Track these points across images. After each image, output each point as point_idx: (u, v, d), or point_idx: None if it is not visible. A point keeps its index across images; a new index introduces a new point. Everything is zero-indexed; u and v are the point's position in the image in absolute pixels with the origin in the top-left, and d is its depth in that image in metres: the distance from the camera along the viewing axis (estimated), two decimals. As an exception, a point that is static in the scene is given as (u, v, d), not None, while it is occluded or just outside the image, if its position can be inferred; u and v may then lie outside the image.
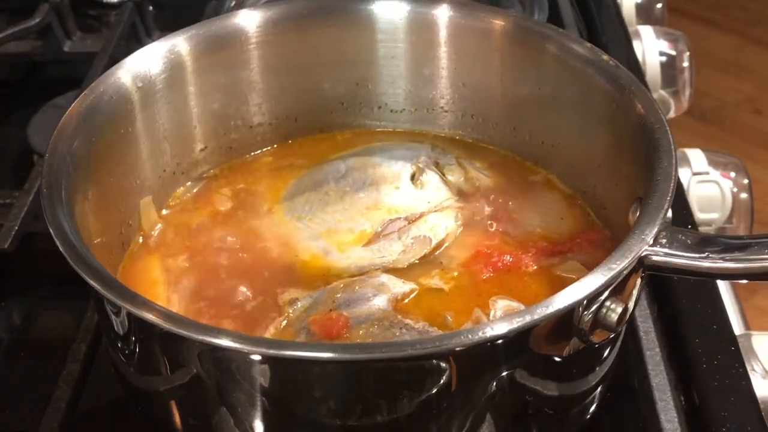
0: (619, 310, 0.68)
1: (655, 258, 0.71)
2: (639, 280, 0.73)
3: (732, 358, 0.90)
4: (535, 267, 0.90)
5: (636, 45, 1.48)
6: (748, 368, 0.92)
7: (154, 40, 1.04)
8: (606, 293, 0.68)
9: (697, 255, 0.70)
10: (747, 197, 1.37)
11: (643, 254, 0.70)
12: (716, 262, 0.69)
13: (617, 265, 0.68)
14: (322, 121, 1.10)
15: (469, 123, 1.08)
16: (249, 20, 1.02)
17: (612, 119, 0.89)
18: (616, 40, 1.45)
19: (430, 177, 1.01)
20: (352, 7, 1.06)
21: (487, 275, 0.90)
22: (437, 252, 0.93)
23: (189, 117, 1.01)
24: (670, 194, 0.73)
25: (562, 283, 0.87)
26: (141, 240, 0.96)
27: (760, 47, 3.71)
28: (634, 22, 1.61)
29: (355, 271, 0.91)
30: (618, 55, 1.21)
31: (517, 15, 1.17)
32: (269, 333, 0.84)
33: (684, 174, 1.36)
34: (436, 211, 0.97)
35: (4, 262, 1.06)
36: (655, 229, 0.70)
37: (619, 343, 0.78)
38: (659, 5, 1.67)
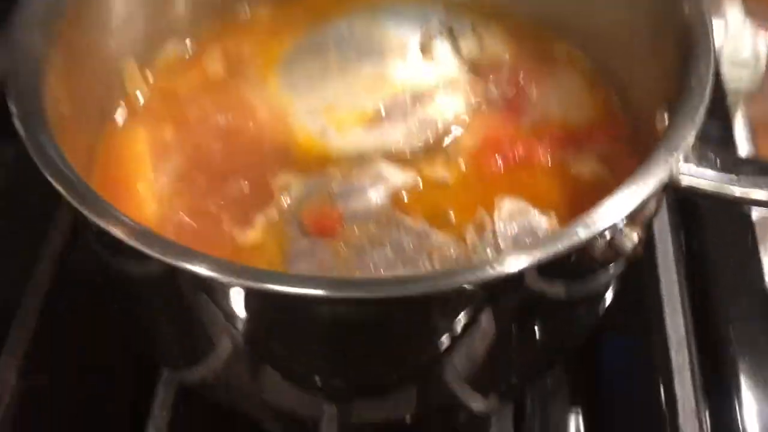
0: (635, 236, 0.63)
1: (681, 181, 0.64)
2: (660, 200, 0.67)
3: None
4: (549, 160, 0.83)
5: None
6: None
7: None
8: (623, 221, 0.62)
9: (727, 177, 0.64)
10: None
11: (667, 179, 0.63)
12: (748, 188, 0.63)
13: (637, 196, 0.61)
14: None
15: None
16: None
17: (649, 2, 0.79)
18: None
19: (440, 45, 0.92)
20: None
21: (496, 168, 0.83)
22: (444, 139, 0.86)
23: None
24: (702, 109, 0.65)
25: (575, 184, 0.82)
26: (126, 108, 0.89)
27: None
28: None
29: (353, 157, 0.84)
30: None
31: None
32: (259, 223, 0.80)
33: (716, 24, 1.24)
34: (445, 88, 0.89)
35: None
36: (683, 153, 0.63)
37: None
38: None
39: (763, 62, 1.26)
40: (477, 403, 0.75)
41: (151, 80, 0.90)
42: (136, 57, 0.89)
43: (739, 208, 0.85)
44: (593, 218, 0.60)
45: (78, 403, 0.84)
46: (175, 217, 0.80)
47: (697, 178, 0.64)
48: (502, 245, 0.75)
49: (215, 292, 0.61)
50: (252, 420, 0.82)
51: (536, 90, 0.90)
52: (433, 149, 0.85)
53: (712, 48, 0.69)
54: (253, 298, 0.60)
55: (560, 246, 0.58)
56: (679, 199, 0.94)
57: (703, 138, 0.65)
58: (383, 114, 0.87)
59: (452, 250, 0.75)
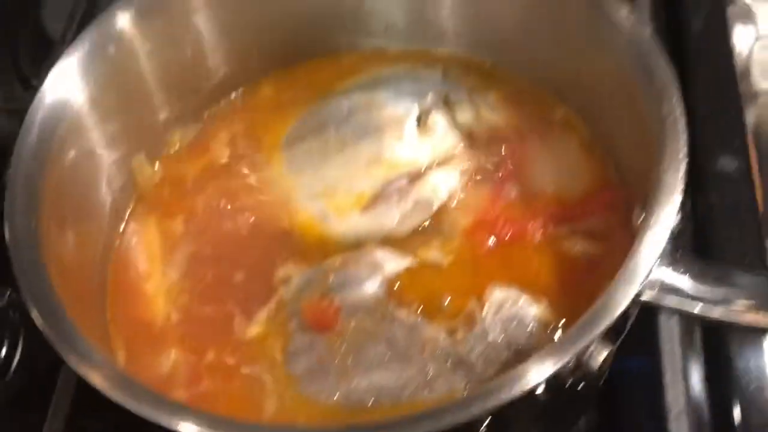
0: (602, 357, 0.64)
1: (648, 298, 0.65)
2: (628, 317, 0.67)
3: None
4: (541, 238, 0.84)
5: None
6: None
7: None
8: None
9: (697, 295, 0.64)
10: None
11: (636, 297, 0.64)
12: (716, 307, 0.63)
13: (600, 325, 0.62)
14: (326, 43, 1.01)
15: (482, 46, 0.98)
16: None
17: (629, 81, 0.79)
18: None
19: (438, 119, 0.93)
20: None
21: (490, 246, 0.85)
22: (438, 219, 0.88)
23: (185, 58, 0.94)
24: (668, 230, 0.65)
25: (565, 261, 0.83)
26: (137, 199, 0.93)
27: None
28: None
29: (351, 241, 0.87)
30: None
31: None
32: (261, 318, 0.84)
33: (747, 34, 1.21)
34: (440, 165, 0.90)
35: None
36: (652, 274, 0.64)
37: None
38: None
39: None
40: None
41: (159, 171, 0.95)
42: (146, 150, 0.93)
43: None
44: (559, 352, 0.61)
45: None
46: (181, 314, 0.85)
47: (662, 293, 0.64)
48: (490, 338, 0.77)
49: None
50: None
51: (532, 159, 0.90)
52: (427, 230, 0.87)
53: (682, 145, 0.69)
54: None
55: (525, 385, 0.59)
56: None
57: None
58: (380, 196, 0.89)
59: (443, 345, 0.78)
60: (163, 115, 0.94)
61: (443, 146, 0.92)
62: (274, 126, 0.98)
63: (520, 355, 0.77)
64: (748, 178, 0.93)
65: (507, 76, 0.97)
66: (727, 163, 0.94)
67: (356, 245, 0.87)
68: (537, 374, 0.60)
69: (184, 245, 0.90)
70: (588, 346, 0.62)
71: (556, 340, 0.77)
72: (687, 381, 0.83)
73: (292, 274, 0.86)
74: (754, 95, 1.10)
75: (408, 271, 0.84)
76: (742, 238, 0.87)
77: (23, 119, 0.79)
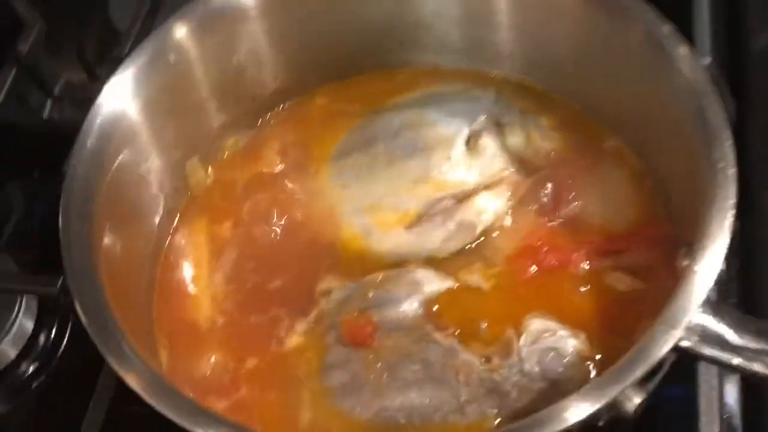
0: (638, 400, 0.64)
1: (687, 345, 0.65)
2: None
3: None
4: (584, 270, 0.84)
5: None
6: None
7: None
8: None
9: (737, 346, 0.64)
10: None
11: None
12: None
13: (638, 370, 0.62)
14: (381, 58, 1.02)
15: (539, 71, 0.97)
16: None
17: (683, 120, 0.78)
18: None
19: (487, 142, 0.93)
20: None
21: (531, 274, 0.85)
22: (482, 242, 0.88)
23: (241, 67, 0.95)
24: (716, 269, 0.65)
25: (606, 295, 0.83)
26: (189, 202, 0.96)
27: None
28: None
29: (393, 259, 0.88)
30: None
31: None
32: (301, 329, 0.85)
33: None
34: (487, 189, 0.91)
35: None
36: (693, 320, 0.63)
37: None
38: None
39: None
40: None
41: (211, 176, 0.97)
42: (200, 154, 0.95)
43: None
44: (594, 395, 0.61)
45: None
46: (224, 319, 0.87)
47: (701, 341, 0.64)
48: (526, 368, 0.77)
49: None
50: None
51: (581, 188, 0.90)
52: (470, 253, 0.88)
53: (729, 206, 0.68)
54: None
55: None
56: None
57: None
58: (424, 216, 0.90)
59: (478, 371, 0.78)
60: (217, 122, 0.97)
61: (492, 169, 0.92)
62: (325, 138, 0.99)
63: (554, 386, 0.77)
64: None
65: (559, 102, 0.97)
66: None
67: (398, 263, 0.88)
68: (572, 415, 0.60)
69: (231, 250, 0.92)
70: (624, 390, 0.62)
71: (592, 375, 0.77)
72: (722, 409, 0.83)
73: (333, 287, 0.87)
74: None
75: (448, 293, 0.85)
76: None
77: (88, 110, 0.82)
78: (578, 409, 0.60)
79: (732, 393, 0.86)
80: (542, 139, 0.94)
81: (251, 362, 0.83)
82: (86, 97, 0.85)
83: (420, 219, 0.90)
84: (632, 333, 0.80)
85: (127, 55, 0.86)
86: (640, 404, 0.64)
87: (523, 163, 0.93)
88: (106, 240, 0.78)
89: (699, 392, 0.83)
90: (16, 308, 1.02)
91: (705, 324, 0.67)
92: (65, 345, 1.11)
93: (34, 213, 1.17)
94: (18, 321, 1.06)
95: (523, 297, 0.84)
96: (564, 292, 0.83)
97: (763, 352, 0.62)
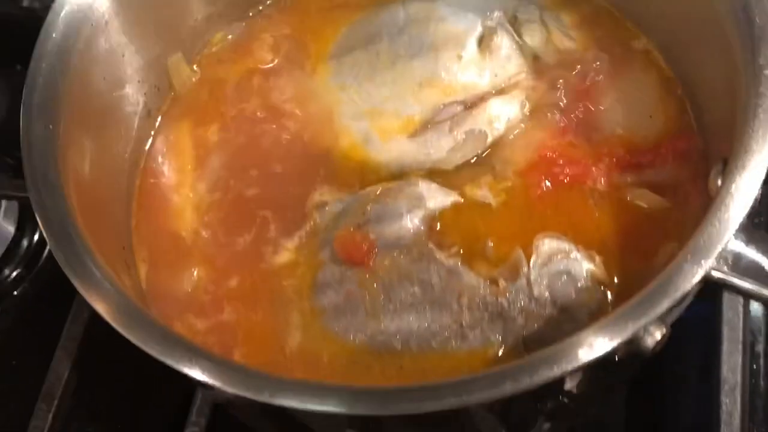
0: (658, 335, 0.57)
1: (718, 276, 0.57)
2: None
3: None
4: (603, 185, 0.76)
5: None
6: None
7: None
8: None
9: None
10: None
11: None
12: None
13: (671, 296, 0.55)
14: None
15: (563, -39, 0.87)
16: None
17: (723, 19, 0.68)
18: None
19: (502, 41, 0.84)
20: None
21: (545, 189, 0.77)
22: (492, 150, 0.80)
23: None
24: (755, 191, 0.57)
25: (626, 213, 0.75)
26: (173, 101, 0.87)
27: None
28: None
29: (394, 169, 0.80)
30: None
31: None
32: (292, 244, 0.78)
33: None
34: (500, 94, 0.82)
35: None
36: (723, 251, 0.56)
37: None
38: None
39: None
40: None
41: (197, 72, 0.88)
42: (183, 50, 0.86)
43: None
44: (613, 329, 0.54)
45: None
46: (208, 230, 0.80)
47: (734, 271, 0.57)
48: (535, 292, 0.71)
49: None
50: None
51: (605, 93, 0.81)
52: (478, 165, 0.80)
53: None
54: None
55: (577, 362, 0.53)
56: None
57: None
58: (430, 122, 0.81)
59: (483, 294, 0.72)
60: (202, 13, 0.87)
61: (506, 71, 0.83)
62: (323, 32, 0.90)
63: (565, 312, 0.70)
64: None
65: (586, -4, 0.87)
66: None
67: (399, 175, 0.80)
68: (586, 352, 0.54)
69: (217, 156, 0.84)
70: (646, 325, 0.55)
71: (609, 300, 0.70)
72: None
73: (327, 199, 0.79)
74: None
75: (452, 208, 0.77)
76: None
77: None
78: (593, 346, 0.54)
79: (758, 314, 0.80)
80: (562, 38, 0.84)
81: (236, 279, 0.77)
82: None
83: (425, 126, 0.81)
84: (654, 256, 0.73)
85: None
86: (660, 340, 0.57)
87: (540, 65, 0.83)
88: (75, 144, 0.70)
89: (722, 315, 0.78)
90: (-5, 212, 0.97)
91: (738, 251, 0.59)
92: (48, 251, 1.05)
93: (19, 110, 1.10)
94: (-3, 224, 1.02)
95: (534, 214, 0.76)
96: (580, 210, 0.76)
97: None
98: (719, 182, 0.62)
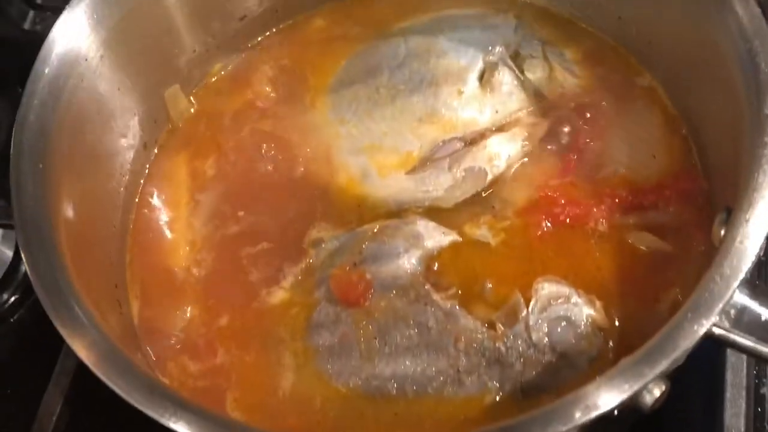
0: (657, 392, 0.56)
1: (720, 332, 0.56)
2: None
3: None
4: (605, 227, 0.75)
5: None
6: None
7: None
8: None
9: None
10: None
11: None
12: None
13: (666, 361, 0.53)
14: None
15: (565, -4, 0.86)
16: None
17: (729, 62, 0.67)
18: None
19: (504, 76, 0.82)
20: None
21: (545, 229, 0.76)
22: (491, 189, 0.78)
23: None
24: (760, 242, 0.55)
25: (628, 256, 0.73)
26: (170, 132, 0.86)
27: None
28: None
29: (392, 206, 0.79)
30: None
31: None
32: (287, 282, 0.77)
33: None
34: (500, 130, 0.80)
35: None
36: (725, 307, 0.54)
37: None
38: None
39: None
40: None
41: (194, 104, 0.87)
42: (181, 81, 0.85)
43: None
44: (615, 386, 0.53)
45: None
46: (203, 267, 0.79)
47: (736, 328, 0.55)
48: (534, 338, 0.69)
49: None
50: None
51: (607, 131, 0.79)
52: (478, 203, 0.78)
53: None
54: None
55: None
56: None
57: None
58: (429, 159, 0.80)
59: (480, 339, 0.70)
60: (201, 45, 0.86)
61: (507, 108, 0.81)
62: (323, 64, 0.88)
63: (564, 359, 0.69)
64: None
65: (587, 32, 0.86)
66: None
67: (397, 212, 0.79)
68: (585, 412, 0.52)
69: (214, 190, 0.83)
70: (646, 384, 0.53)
71: (609, 348, 0.69)
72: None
73: (324, 236, 0.78)
74: None
75: (451, 248, 0.76)
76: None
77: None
78: (589, 408, 0.52)
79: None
80: (565, 73, 0.83)
81: (230, 317, 0.75)
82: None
83: (424, 163, 0.80)
84: (656, 301, 0.72)
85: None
86: (659, 398, 0.55)
87: (542, 102, 0.82)
88: (67, 182, 0.69)
89: (726, 359, 0.76)
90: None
91: (742, 305, 0.58)
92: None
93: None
94: (-6, 249, 1.01)
95: (534, 255, 0.74)
96: (581, 252, 0.74)
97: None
98: (723, 232, 0.60)
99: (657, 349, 0.54)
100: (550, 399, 0.67)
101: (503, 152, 0.79)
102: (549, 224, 0.76)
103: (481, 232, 0.76)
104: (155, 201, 0.83)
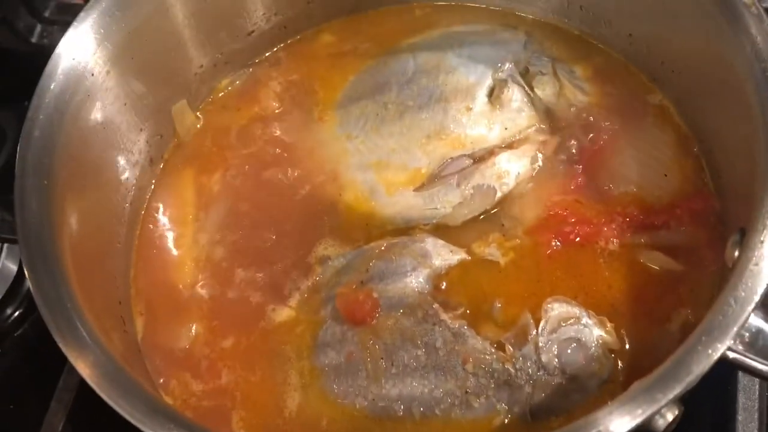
0: (670, 417, 0.54)
1: (734, 356, 0.55)
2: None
3: None
4: (616, 246, 0.74)
5: None
6: None
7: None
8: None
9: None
10: None
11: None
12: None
13: (678, 386, 0.52)
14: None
15: (577, 12, 0.85)
16: None
17: (744, 83, 0.66)
18: None
19: (513, 93, 0.81)
20: None
21: (555, 248, 0.75)
22: (500, 207, 0.77)
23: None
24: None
25: (639, 276, 0.72)
26: (176, 147, 0.85)
27: None
28: None
29: (400, 224, 0.78)
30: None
31: None
32: (293, 301, 0.76)
33: None
34: (509, 148, 0.79)
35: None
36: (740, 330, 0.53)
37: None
38: None
39: None
40: None
41: (201, 119, 0.87)
42: (188, 96, 0.85)
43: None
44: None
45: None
46: (208, 285, 0.78)
47: (751, 351, 0.54)
48: (544, 360, 0.68)
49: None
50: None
51: (618, 150, 0.78)
52: (486, 222, 0.77)
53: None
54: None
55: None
56: None
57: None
58: (437, 176, 0.79)
59: (489, 360, 0.69)
60: (208, 60, 0.86)
61: (517, 125, 0.81)
62: (331, 80, 0.88)
63: (574, 381, 0.67)
64: None
65: (598, 49, 0.85)
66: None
67: (404, 229, 0.78)
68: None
69: (220, 206, 0.82)
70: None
71: (620, 370, 0.68)
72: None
73: (331, 253, 0.77)
74: None
75: (459, 266, 0.75)
76: None
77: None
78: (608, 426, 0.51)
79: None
80: (575, 91, 0.82)
81: (235, 336, 0.74)
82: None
83: (432, 180, 0.79)
84: (667, 322, 0.71)
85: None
86: (672, 422, 0.54)
87: (551, 119, 0.81)
88: (72, 198, 0.68)
89: (738, 382, 0.75)
90: (-2, 251, 0.95)
91: (756, 328, 0.57)
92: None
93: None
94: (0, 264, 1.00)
95: (544, 275, 0.73)
96: (591, 271, 0.73)
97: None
98: (736, 253, 0.59)
99: (670, 373, 0.52)
100: (560, 422, 0.66)
101: (512, 170, 0.78)
102: (559, 243, 0.75)
103: (490, 250, 0.76)
104: (160, 217, 0.82)
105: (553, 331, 0.69)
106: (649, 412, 0.51)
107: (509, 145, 0.80)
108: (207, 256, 0.79)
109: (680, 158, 0.78)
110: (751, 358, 0.54)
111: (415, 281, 0.74)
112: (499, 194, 0.78)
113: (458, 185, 0.78)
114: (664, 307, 0.70)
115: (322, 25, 0.91)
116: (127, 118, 0.77)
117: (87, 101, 0.71)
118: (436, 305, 0.72)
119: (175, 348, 0.75)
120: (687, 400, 0.58)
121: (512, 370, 0.68)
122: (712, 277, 0.70)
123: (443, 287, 0.74)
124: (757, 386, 0.76)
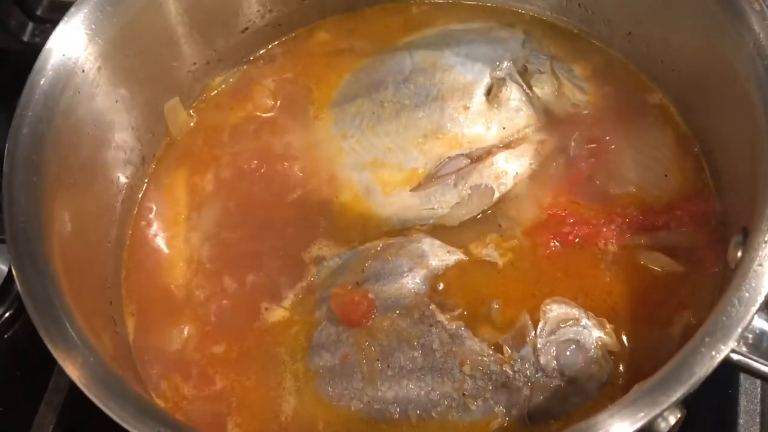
0: (672, 420, 0.53)
1: (738, 358, 0.54)
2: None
3: None
4: (615, 247, 0.73)
5: None
6: None
7: None
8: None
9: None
10: None
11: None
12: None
13: (681, 388, 0.51)
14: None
15: (575, 10, 0.84)
16: None
17: (746, 82, 0.65)
18: None
19: (511, 92, 0.80)
20: None
21: (553, 249, 0.73)
22: (498, 207, 0.76)
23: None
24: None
25: (639, 278, 0.71)
26: (168, 146, 0.84)
27: None
28: None
29: (396, 224, 0.77)
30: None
31: None
32: (287, 301, 0.75)
33: None
34: (507, 147, 0.78)
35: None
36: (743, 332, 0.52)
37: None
38: None
39: None
40: None
41: (194, 117, 0.85)
42: (181, 94, 0.84)
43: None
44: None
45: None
46: (200, 286, 0.76)
47: (754, 353, 0.53)
48: (542, 362, 0.67)
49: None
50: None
51: (618, 150, 0.77)
52: (484, 222, 0.76)
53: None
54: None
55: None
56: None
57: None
58: (434, 176, 0.78)
59: (487, 362, 0.68)
60: (202, 58, 0.84)
61: (515, 124, 0.80)
62: (326, 78, 0.86)
63: (572, 384, 0.66)
64: None
65: (597, 47, 0.84)
66: None
67: (401, 230, 0.77)
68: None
69: (212, 205, 0.81)
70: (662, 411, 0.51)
71: (620, 373, 0.67)
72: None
73: (326, 254, 0.76)
74: None
75: (456, 267, 0.74)
76: None
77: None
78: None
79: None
80: (574, 89, 0.81)
81: (228, 338, 0.73)
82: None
83: (429, 180, 0.78)
84: (668, 324, 0.70)
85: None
86: (674, 425, 0.53)
87: (550, 119, 0.80)
88: (61, 196, 0.67)
89: (740, 385, 0.74)
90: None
91: (760, 329, 0.56)
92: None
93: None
94: (-11, 264, 0.99)
95: (542, 276, 0.72)
96: (590, 272, 0.72)
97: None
98: (739, 254, 0.58)
99: (673, 375, 0.51)
100: (559, 426, 0.65)
101: (510, 169, 0.77)
102: (557, 244, 0.74)
103: (488, 251, 0.74)
104: (152, 216, 0.81)
105: (552, 332, 0.68)
106: (651, 415, 0.50)
107: (507, 145, 0.79)
108: (200, 257, 0.78)
109: (680, 158, 0.77)
110: (755, 360, 0.53)
111: (412, 282, 0.73)
112: (497, 194, 0.77)
113: (455, 185, 0.77)
114: (665, 309, 0.69)
115: (318, 22, 0.90)
116: (118, 115, 0.76)
117: (77, 97, 0.70)
118: (432, 306, 0.71)
119: (168, 350, 0.73)
120: (688, 403, 0.58)
121: (510, 372, 0.67)
122: (713, 279, 0.69)
123: (440, 288, 0.73)
124: (759, 389, 0.75)
